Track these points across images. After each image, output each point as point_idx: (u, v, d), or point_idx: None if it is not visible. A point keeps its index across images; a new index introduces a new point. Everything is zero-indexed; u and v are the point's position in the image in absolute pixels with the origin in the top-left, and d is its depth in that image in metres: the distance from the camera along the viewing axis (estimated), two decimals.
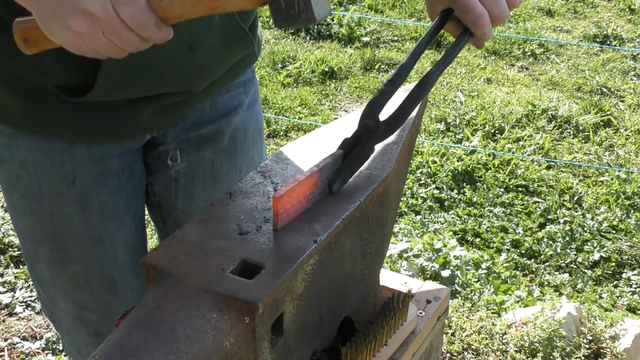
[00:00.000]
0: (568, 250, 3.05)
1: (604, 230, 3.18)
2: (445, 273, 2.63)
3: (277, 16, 0.85)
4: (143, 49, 0.88)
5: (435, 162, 3.63)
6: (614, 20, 5.52)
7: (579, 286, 2.84)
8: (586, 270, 2.95)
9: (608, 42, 5.10)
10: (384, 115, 0.97)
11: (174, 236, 0.85)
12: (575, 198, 3.41)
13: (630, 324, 2.35)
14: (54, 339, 2.44)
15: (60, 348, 2.42)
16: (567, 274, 2.92)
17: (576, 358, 2.20)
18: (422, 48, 0.99)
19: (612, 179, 3.54)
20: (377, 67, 4.70)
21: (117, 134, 1.20)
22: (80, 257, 1.26)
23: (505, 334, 2.34)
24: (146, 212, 1.40)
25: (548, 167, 3.67)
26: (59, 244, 1.25)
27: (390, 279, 1.19)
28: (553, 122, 4.06)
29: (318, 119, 4.05)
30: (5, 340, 2.45)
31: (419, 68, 4.41)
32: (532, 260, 3.00)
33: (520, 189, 3.49)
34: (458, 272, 2.66)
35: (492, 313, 2.49)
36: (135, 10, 0.82)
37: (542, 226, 3.24)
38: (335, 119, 3.66)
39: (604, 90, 4.48)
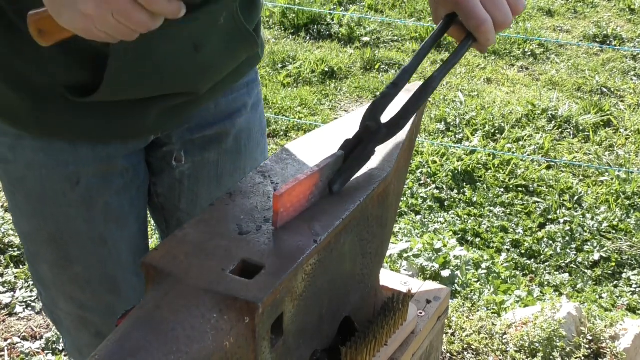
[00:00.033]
0: (568, 250, 3.04)
1: (604, 230, 3.17)
2: (445, 273, 2.63)
3: None
4: (154, 27, 0.87)
5: (435, 162, 3.63)
6: (614, 20, 5.52)
7: (579, 286, 2.84)
8: (586, 270, 2.94)
9: (608, 42, 5.10)
10: (385, 117, 0.97)
11: (174, 236, 0.85)
12: (575, 198, 3.41)
13: (630, 324, 2.35)
14: (54, 339, 2.44)
15: (61, 348, 2.42)
16: (567, 274, 2.92)
17: (576, 358, 2.20)
18: (425, 51, 1.00)
19: (612, 179, 3.54)
20: (377, 67, 4.70)
21: (123, 134, 1.20)
22: (83, 258, 1.26)
23: (505, 334, 2.34)
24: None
25: (548, 167, 3.67)
26: (62, 244, 1.25)
27: (390, 279, 1.19)
28: (553, 122, 4.05)
29: (318, 119, 4.05)
30: (5, 340, 2.45)
31: (419, 67, 4.41)
32: (532, 260, 3.00)
33: (520, 189, 3.49)
34: (458, 272, 2.66)
35: (492, 313, 2.49)
36: None
37: (542, 226, 3.24)
38: (335, 119, 3.66)
39: (604, 90, 4.48)
